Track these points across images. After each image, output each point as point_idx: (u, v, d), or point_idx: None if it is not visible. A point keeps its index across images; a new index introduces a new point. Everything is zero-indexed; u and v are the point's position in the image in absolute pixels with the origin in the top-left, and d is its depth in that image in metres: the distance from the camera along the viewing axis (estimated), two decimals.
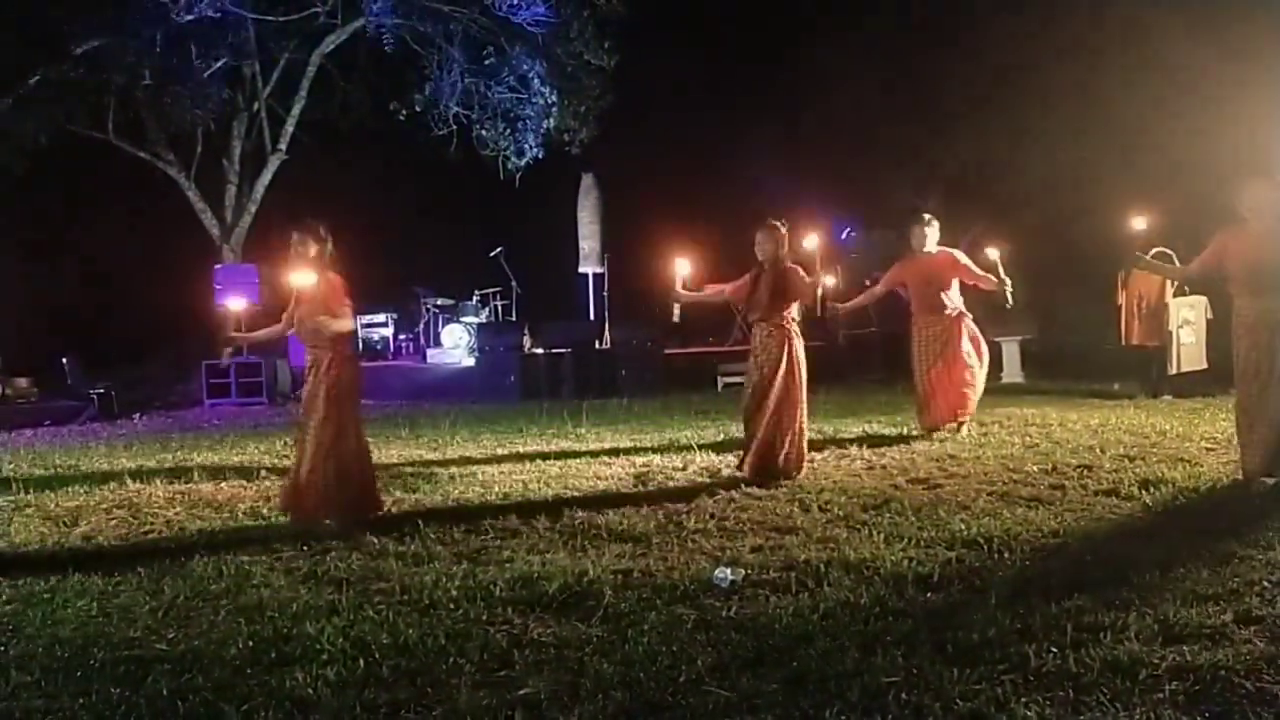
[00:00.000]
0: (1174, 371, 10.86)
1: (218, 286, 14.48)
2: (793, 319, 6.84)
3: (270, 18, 15.56)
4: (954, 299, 8.45)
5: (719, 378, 13.92)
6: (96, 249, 17.78)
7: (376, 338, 17.02)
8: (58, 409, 12.81)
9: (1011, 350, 13.20)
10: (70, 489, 7.14)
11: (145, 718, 3.22)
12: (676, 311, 7.08)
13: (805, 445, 6.92)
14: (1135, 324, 11.13)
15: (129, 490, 7.02)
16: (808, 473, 6.87)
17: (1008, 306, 8.54)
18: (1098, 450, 7.40)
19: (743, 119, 18.73)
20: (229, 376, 14.13)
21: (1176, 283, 10.47)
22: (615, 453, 8.10)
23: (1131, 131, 14.76)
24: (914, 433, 8.52)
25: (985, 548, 4.79)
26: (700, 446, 8.15)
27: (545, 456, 8.02)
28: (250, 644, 3.78)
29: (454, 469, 7.59)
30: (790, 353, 6.76)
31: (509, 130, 16.85)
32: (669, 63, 18.06)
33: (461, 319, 16.32)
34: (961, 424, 8.42)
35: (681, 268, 6.95)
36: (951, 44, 16.44)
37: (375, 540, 5.30)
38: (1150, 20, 13.77)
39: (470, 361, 15.08)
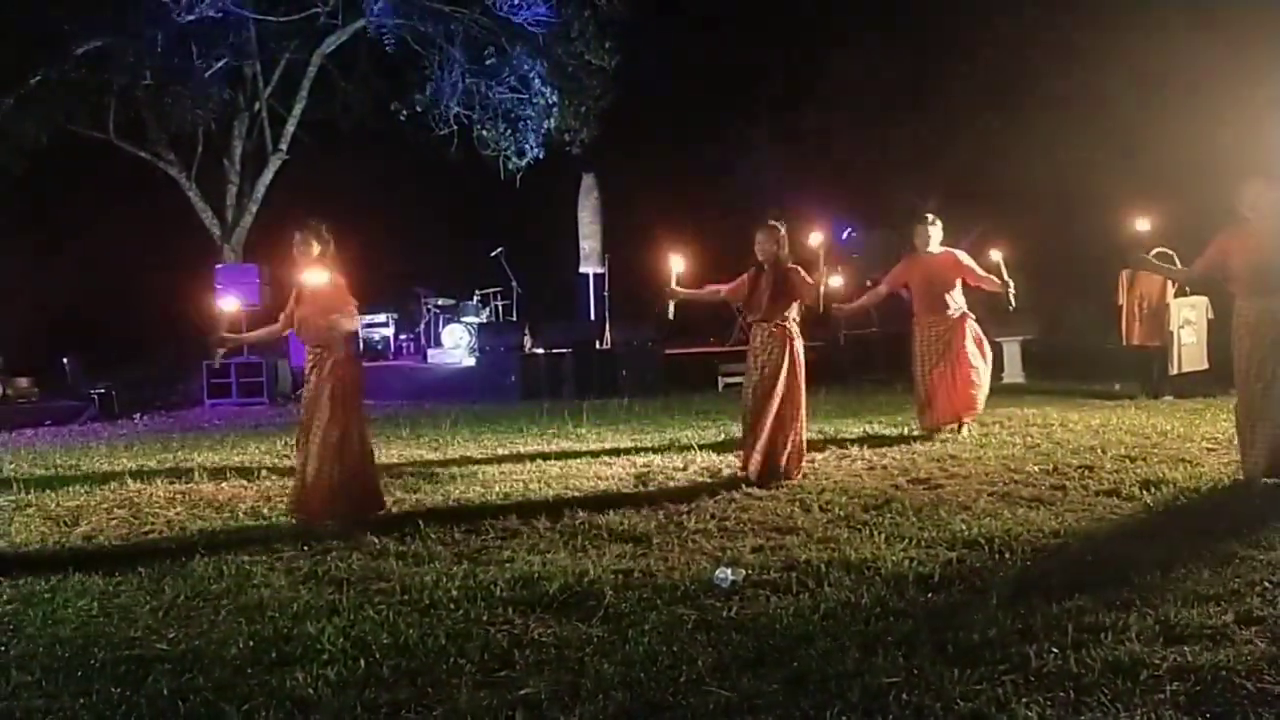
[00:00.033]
0: (1175, 372, 10.86)
1: (218, 286, 14.47)
2: (793, 319, 6.84)
3: (271, 18, 15.56)
4: (957, 299, 8.43)
5: (720, 378, 13.92)
6: (97, 249, 17.76)
7: (377, 338, 17.02)
8: (58, 409, 12.82)
9: (1013, 350, 13.19)
10: (71, 489, 7.14)
11: (146, 717, 3.22)
12: (671, 309, 7.02)
13: (804, 445, 6.93)
14: (1136, 324, 11.13)
15: (130, 490, 7.02)
16: (808, 473, 6.87)
17: (1010, 309, 8.52)
18: (1099, 451, 7.39)
19: (743, 119, 18.73)
20: (230, 376, 14.15)
21: (1177, 283, 10.47)
22: (616, 453, 8.10)
23: (1132, 131, 14.76)
24: (915, 433, 8.51)
25: (986, 548, 4.79)
26: (701, 447, 8.15)
27: (546, 456, 8.02)
28: (251, 644, 3.78)
29: (455, 469, 7.58)
30: (792, 353, 6.76)
31: (510, 130, 16.85)
32: (670, 63, 18.07)
33: (462, 319, 16.32)
34: (963, 424, 8.41)
35: (675, 264, 6.91)
36: (952, 44, 16.45)
37: (376, 540, 5.30)
38: (1151, 21, 13.76)
39: (471, 361, 15.08)
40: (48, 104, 14.53)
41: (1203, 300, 10.74)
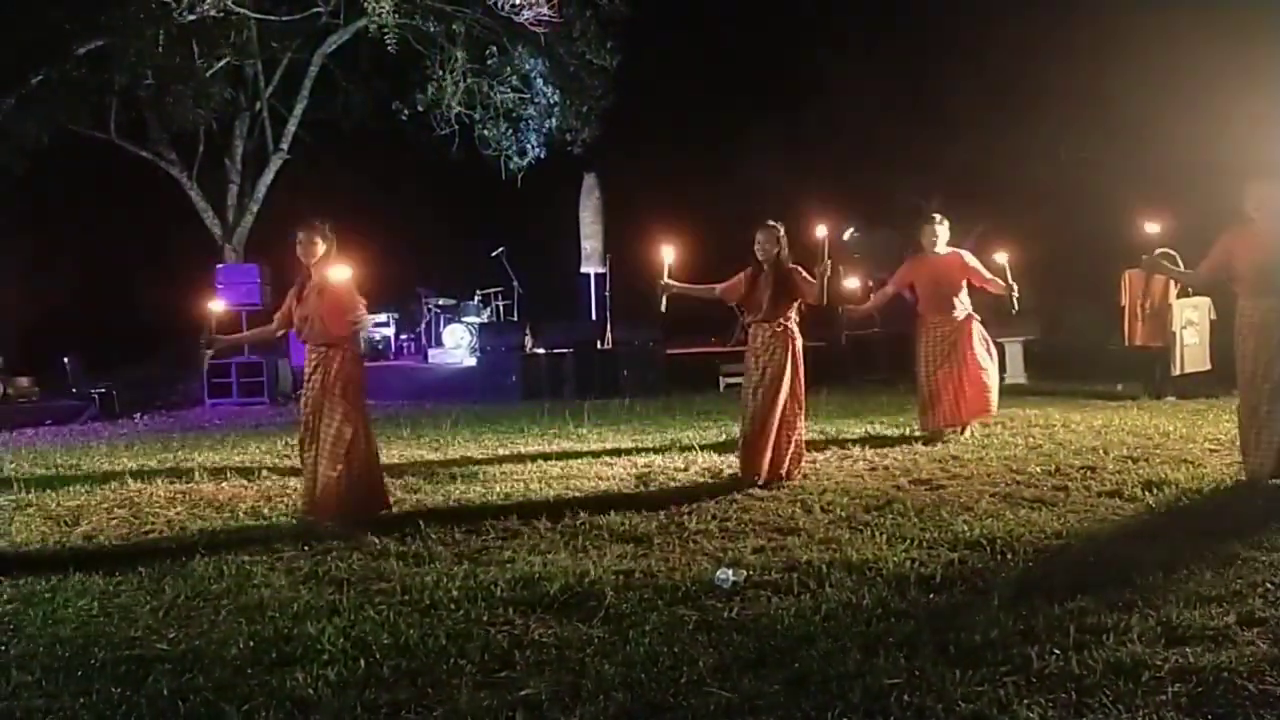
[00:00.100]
0: (1177, 372, 10.85)
1: (219, 286, 14.48)
2: (794, 319, 6.83)
3: (273, 17, 15.57)
4: (964, 301, 8.39)
5: (721, 378, 13.91)
6: (98, 249, 17.79)
7: (378, 337, 17.03)
8: (59, 408, 12.82)
9: (1015, 351, 13.18)
10: (71, 488, 7.14)
11: (146, 717, 3.22)
12: (664, 302, 6.96)
13: (804, 446, 6.93)
14: (1139, 325, 11.12)
15: (130, 490, 7.02)
16: (810, 474, 6.87)
17: (1014, 312, 8.49)
18: (1101, 451, 7.38)
19: (744, 119, 18.73)
20: (230, 376, 14.16)
21: (1180, 284, 10.46)
22: (617, 453, 8.09)
23: (1135, 131, 14.74)
24: (916, 434, 8.49)
25: (988, 549, 4.78)
26: (702, 447, 8.14)
27: (547, 457, 8.01)
28: (251, 644, 3.77)
29: (455, 469, 7.57)
30: (794, 354, 6.76)
31: (511, 130, 16.87)
32: (671, 63, 18.06)
33: (463, 319, 16.32)
34: (965, 425, 8.38)
35: (667, 255, 6.83)
36: (953, 44, 16.44)
37: (376, 540, 5.29)
38: (1154, 21, 13.74)
39: (472, 361, 15.08)
40: (49, 104, 14.54)
41: (1205, 301, 10.74)
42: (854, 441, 8.19)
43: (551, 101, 16.66)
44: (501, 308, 17.24)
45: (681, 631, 3.80)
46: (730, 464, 7.20)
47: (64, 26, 13.81)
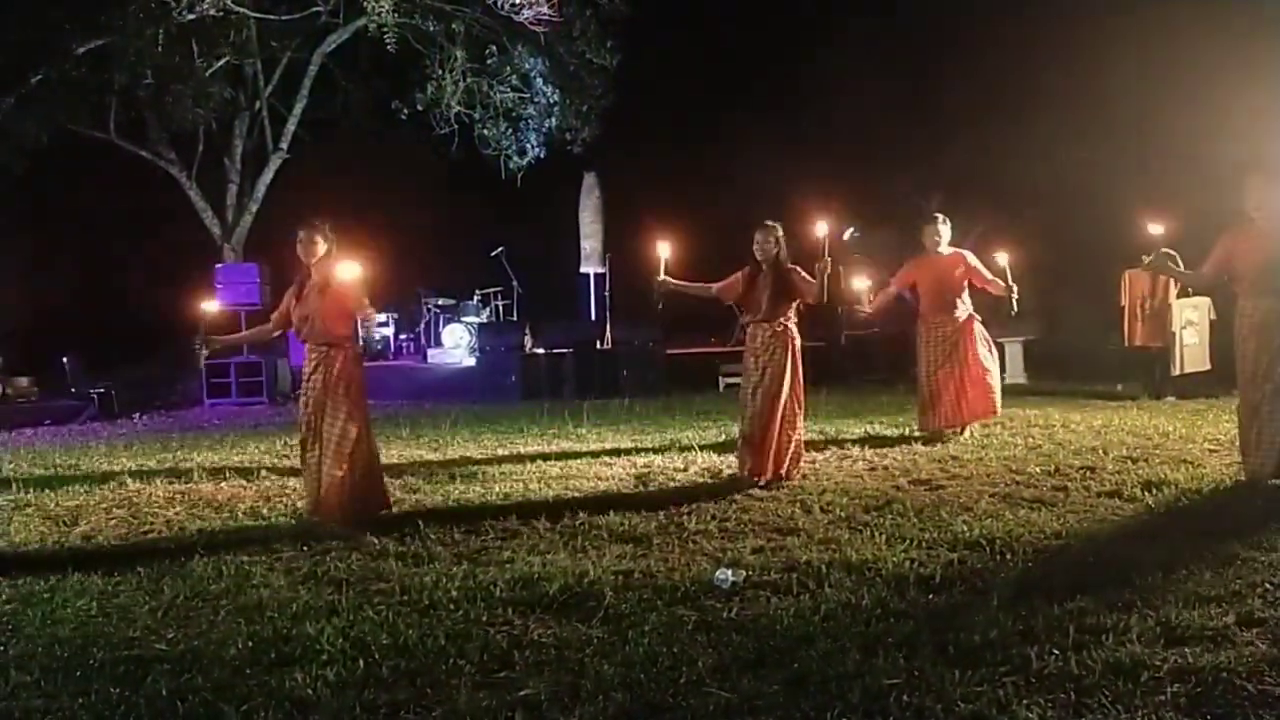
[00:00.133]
0: (1177, 373, 10.86)
1: (218, 286, 14.48)
2: (793, 319, 6.83)
3: (272, 16, 15.57)
4: (966, 301, 8.38)
5: (721, 378, 13.91)
6: (97, 248, 17.79)
7: (377, 337, 17.01)
8: (58, 408, 12.82)
9: (1015, 351, 13.19)
10: (70, 488, 7.14)
11: (144, 718, 3.21)
12: (659, 297, 6.93)
13: (803, 446, 6.94)
14: (1138, 325, 11.13)
15: (129, 490, 7.02)
16: (809, 474, 6.87)
17: (1012, 314, 8.47)
18: (1100, 452, 7.38)
19: (744, 119, 18.72)
20: (229, 376, 14.16)
21: (1180, 284, 10.46)
22: (616, 453, 8.09)
23: (1134, 132, 14.75)
24: (916, 434, 8.48)
25: (987, 549, 4.78)
26: (702, 447, 8.14)
27: (546, 457, 8.01)
28: (250, 644, 3.77)
29: (454, 469, 7.57)
30: (794, 354, 6.76)
31: (511, 129, 16.87)
32: (671, 62, 18.06)
33: (462, 319, 16.32)
34: (966, 426, 8.37)
35: (663, 250, 6.79)
36: (953, 44, 16.44)
37: (375, 540, 5.29)
38: (1153, 20, 13.74)
39: (471, 361, 15.08)
40: (48, 103, 14.55)
41: (1205, 301, 10.74)
42: (853, 442, 8.19)
43: (551, 101, 16.65)
44: (501, 307, 17.23)
45: (681, 632, 3.80)
46: (730, 464, 7.20)
47: (63, 26, 13.82)
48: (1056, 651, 3.44)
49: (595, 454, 8.11)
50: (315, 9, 15.63)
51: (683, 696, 3.23)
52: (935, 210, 10.27)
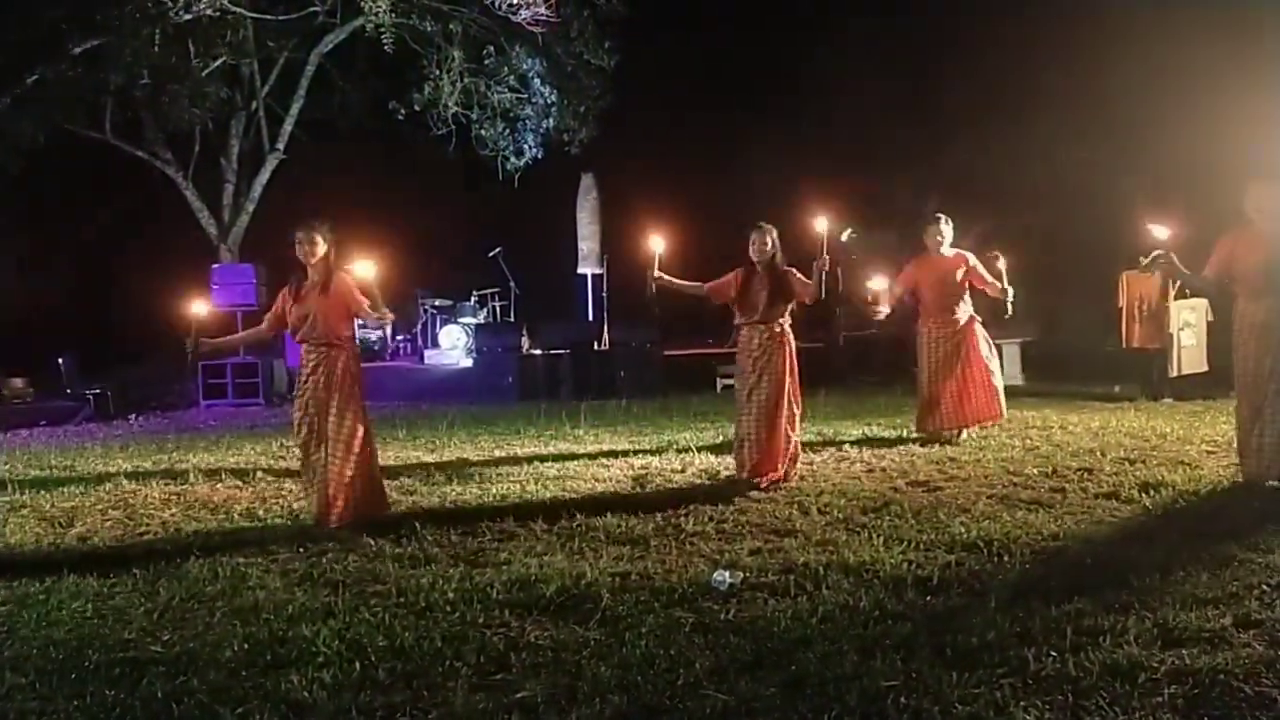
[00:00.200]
0: (1175, 374, 10.87)
1: (214, 286, 14.46)
2: (788, 321, 6.83)
3: (269, 16, 15.56)
4: (967, 302, 8.34)
5: (718, 379, 13.89)
6: (93, 249, 17.77)
7: (373, 338, 16.99)
8: (54, 409, 12.81)
9: (1012, 352, 13.17)
10: (66, 490, 7.13)
11: None
12: (652, 289, 6.88)
13: (799, 446, 6.94)
14: (1136, 326, 11.13)
15: (125, 491, 7.00)
16: (807, 475, 6.87)
17: (1007, 316, 8.44)
18: (1098, 453, 7.38)
19: (743, 119, 18.73)
20: (225, 377, 14.13)
21: (1178, 285, 10.46)
22: (613, 455, 8.08)
23: (1133, 133, 14.75)
24: (914, 435, 8.47)
25: (985, 551, 4.78)
26: (699, 449, 8.13)
27: (543, 458, 8.00)
28: (246, 646, 3.76)
29: (451, 470, 7.55)
30: (790, 356, 6.76)
31: (508, 130, 16.86)
32: (669, 63, 18.05)
33: (459, 319, 16.30)
34: (965, 428, 8.35)
35: (656, 245, 6.76)
36: (952, 44, 16.45)
37: (372, 542, 5.28)
38: (1153, 20, 13.76)
39: (468, 362, 15.07)
40: (45, 103, 14.53)
41: (1202, 302, 10.75)
42: (851, 443, 8.19)
43: (549, 101, 16.65)
44: (498, 308, 17.22)
45: (678, 633, 3.79)
46: (727, 466, 7.20)
47: (60, 26, 13.80)
48: (1054, 653, 3.44)
49: (592, 455, 8.10)
50: (312, 9, 15.62)
51: (680, 698, 3.22)
52: (934, 211, 10.26)
